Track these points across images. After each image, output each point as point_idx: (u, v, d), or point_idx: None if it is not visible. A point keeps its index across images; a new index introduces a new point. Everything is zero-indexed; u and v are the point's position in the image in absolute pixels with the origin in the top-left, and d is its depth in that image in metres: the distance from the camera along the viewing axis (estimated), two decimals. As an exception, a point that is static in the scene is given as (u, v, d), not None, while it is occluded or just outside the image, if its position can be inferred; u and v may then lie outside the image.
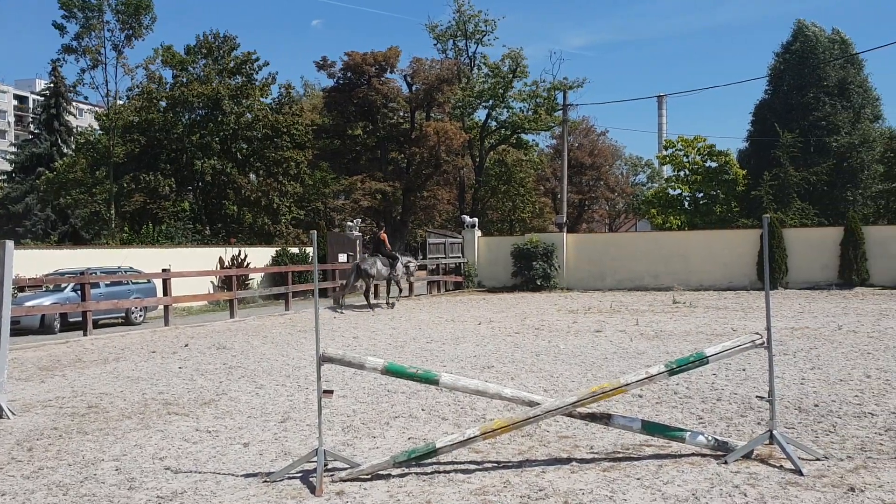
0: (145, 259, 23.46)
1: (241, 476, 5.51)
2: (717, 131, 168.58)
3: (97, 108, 50.88)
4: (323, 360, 5.52)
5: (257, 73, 41.76)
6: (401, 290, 23.50)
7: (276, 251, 29.40)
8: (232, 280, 20.44)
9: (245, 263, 27.19)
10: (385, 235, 22.77)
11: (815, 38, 40.20)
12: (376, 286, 22.35)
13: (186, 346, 13.30)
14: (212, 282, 25.26)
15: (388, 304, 21.05)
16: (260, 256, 28.60)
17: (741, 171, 40.02)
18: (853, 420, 6.54)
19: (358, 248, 28.82)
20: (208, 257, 26.43)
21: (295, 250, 29.68)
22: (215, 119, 38.71)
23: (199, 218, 38.46)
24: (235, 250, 27.79)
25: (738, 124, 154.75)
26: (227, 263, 26.65)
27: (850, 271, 23.91)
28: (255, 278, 27.37)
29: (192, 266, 22.97)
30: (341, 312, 19.49)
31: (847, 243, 24.14)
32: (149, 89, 39.07)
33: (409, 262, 23.60)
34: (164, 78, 40.27)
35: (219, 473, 5.59)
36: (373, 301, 21.06)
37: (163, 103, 39.34)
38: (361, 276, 20.86)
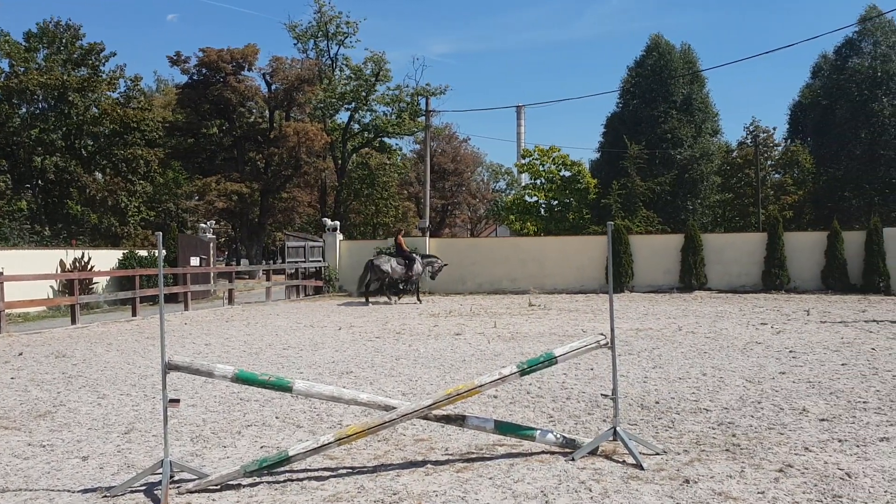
0: (-26, 261, 21.57)
1: (78, 492, 5.16)
2: (572, 142, 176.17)
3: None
4: (169, 367, 5.28)
5: (104, 64, 39.53)
6: (418, 289, 24.04)
7: (124, 254, 27.86)
8: (74, 284, 19.20)
9: (89, 267, 25.58)
10: (402, 238, 24.09)
11: (668, 54, 42.66)
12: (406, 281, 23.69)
13: (20, 354, 12.36)
14: (52, 286, 23.59)
15: (417, 299, 23.25)
16: (106, 259, 26.99)
17: (593, 180, 41.91)
18: (690, 416, 6.95)
19: (212, 251, 27.84)
20: (48, 260, 24.66)
21: (144, 253, 28.21)
22: (58, 112, 36.25)
23: (37, 218, 35.84)
24: (78, 252, 26.07)
25: (592, 135, 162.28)
26: (68, 266, 24.97)
27: (690, 276, 25.54)
28: (101, 282, 25.83)
29: (29, 269, 21.35)
30: (366, 304, 22.10)
31: (687, 250, 25.78)
32: (-21, 77, 36.11)
33: (434, 261, 24.00)
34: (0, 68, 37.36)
35: (52, 490, 5.22)
36: (379, 296, 23.21)
37: (-5, 94, 36.43)
38: (375, 273, 22.60)
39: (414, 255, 23.50)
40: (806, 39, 68.02)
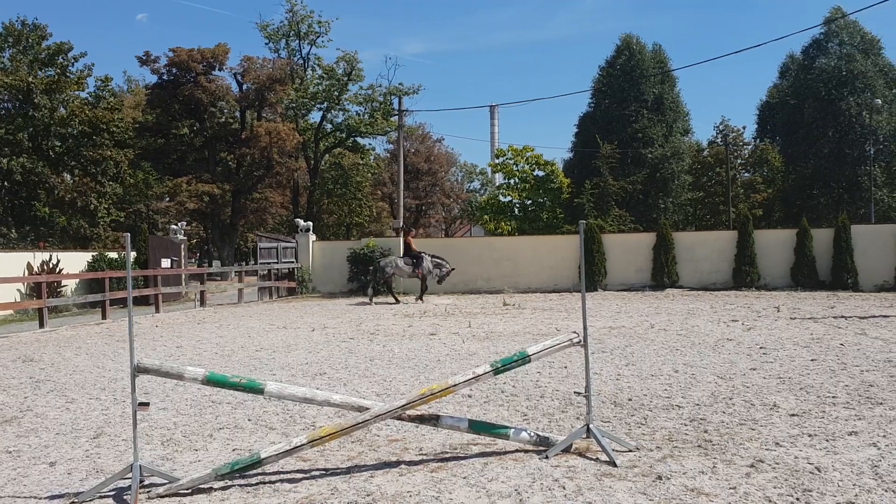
0: (-62, 265, 21.18)
1: (45, 498, 5.07)
2: (545, 141, 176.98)
3: None
4: (138, 370, 5.20)
5: (72, 64, 38.94)
6: (426, 289, 23.75)
7: (93, 256, 27.46)
8: (42, 287, 18.87)
9: (57, 269, 25.20)
10: (410, 238, 24.05)
11: (638, 54, 42.98)
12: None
13: (-14, 359, 12.13)
14: (19, 289, 23.20)
15: (418, 299, 23.14)
16: (75, 261, 26.59)
17: (566, 179, 42.11)
18: (662, 412, 7.00)
19: (183, 253, 27.55)
20: (15, 262, 24.24)
21: (114, 255, 27.82)
22: (24, 113, 35.64)
23: (4, 220, 35.21)
24: (46, 255, 25.67)
25: (565, 135, 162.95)
26: (36, 269, 24.58)
27: (662, 274, 25.75)
28: (70, 285, 25.45)
29: (-5, 272, 21.03)
30: (371, 304, 22.20)
31: (659, 248, 25.98)
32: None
33: (443, 264, 23.65)
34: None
35: (18, 497, 5.11)
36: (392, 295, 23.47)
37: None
38: (379, 272, 23.03)
39: (422, 254, 23.32)
40: (774, 39, 69.14)
